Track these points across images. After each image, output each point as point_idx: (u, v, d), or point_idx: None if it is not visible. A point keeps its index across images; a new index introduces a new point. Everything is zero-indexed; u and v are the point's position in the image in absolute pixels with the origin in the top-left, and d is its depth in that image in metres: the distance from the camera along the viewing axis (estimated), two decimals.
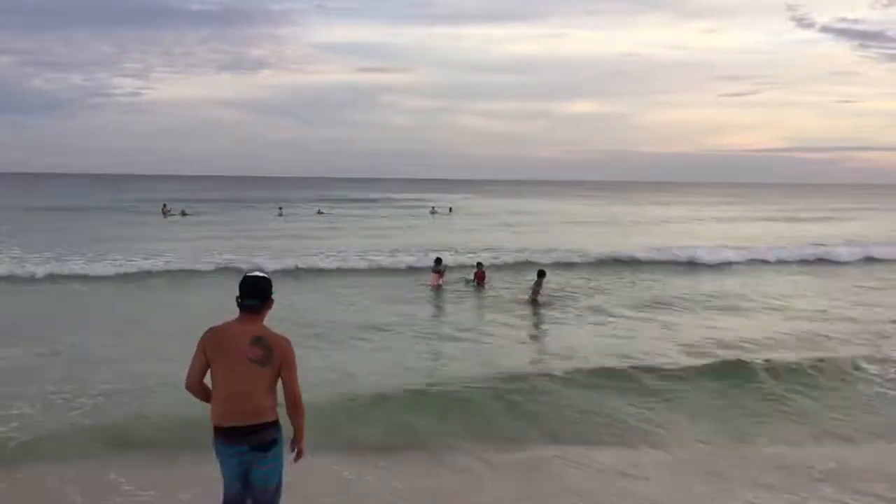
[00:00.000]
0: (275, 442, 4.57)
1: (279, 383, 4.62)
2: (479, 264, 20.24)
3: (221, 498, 4.69)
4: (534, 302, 16.87)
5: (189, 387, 4.63)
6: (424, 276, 19.93)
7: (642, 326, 14.09)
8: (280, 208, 53.77)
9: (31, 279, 18.73)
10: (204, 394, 4.65)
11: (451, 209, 58.01)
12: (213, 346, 4.53)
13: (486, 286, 18.94)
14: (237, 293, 4.62)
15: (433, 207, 58.91)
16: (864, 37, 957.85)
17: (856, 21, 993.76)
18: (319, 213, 53.56)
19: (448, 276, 19.49)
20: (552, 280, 18.35)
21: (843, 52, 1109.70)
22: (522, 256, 24.21)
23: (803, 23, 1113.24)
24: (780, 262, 25.58)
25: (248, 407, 4.45)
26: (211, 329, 4.62)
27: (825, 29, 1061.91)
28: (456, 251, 25.18)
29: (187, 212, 47.37)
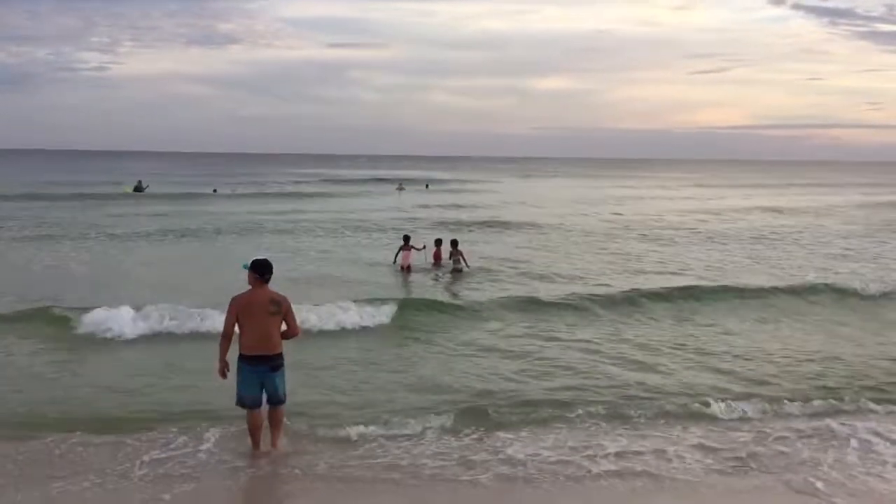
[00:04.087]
0: (282, 365, 7.08)
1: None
2: (439, 241, 18.18)
3: (236, 400, 7.05)
4: (456, 270, 17.42)
5: (225, 335, 6.98)
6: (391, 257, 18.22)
7: None
8: (215, 190, 51.59)
9: None
10: (228, 340, 6.99)
11: (427, 185, 58.82)
12: (242, 307, 6.90)
13: (462, 265, 17.35)
14: (252, 270, 6.97)
15: (400, 184, 57.97)
16: (833, 14, 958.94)
17: None
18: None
19: (415, 256, 17.77)
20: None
21: (812, 30, 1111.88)
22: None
23: None
24: None
25: (269, 343, 6.93)
26: (238, 297, 6.98)
27: (796, 6, 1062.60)
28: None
29: (143, 186, 48.24)
